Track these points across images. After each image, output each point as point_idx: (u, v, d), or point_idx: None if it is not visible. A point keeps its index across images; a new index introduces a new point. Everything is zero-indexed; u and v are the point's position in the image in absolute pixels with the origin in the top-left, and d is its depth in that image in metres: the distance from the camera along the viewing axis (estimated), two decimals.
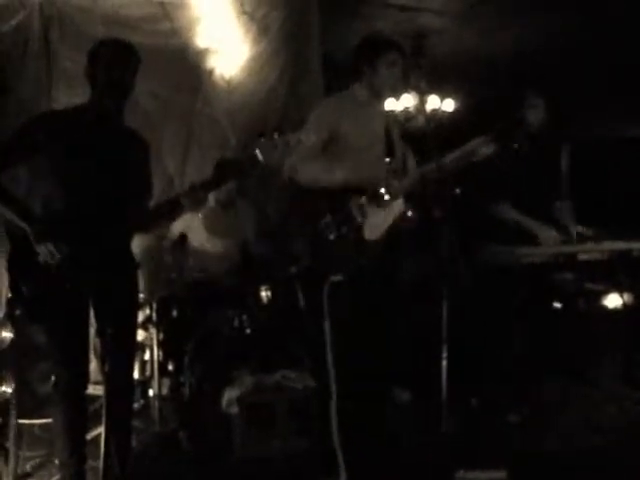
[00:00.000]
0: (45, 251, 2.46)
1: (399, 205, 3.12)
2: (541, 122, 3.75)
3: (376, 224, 3.00)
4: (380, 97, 3.16)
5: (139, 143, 2.78)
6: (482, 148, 2.97)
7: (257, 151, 2.53)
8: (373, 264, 2.99)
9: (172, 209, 2.63)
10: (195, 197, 2.56)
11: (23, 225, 2.50)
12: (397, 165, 3.10)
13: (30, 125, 2.61)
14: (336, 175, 2.92)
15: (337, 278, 2.85)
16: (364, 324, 2.96)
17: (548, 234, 3.57)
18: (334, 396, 2.72)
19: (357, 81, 3.11)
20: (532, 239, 3.58)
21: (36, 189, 2.62)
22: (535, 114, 3.72)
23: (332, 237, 2.93)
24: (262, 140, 2.53)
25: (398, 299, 3.30)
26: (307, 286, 3.73)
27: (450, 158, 2.96)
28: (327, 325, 2.80)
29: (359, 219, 2.95)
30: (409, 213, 3.36)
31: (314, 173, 2.94)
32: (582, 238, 3.61)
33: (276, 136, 2.53)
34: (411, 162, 3.21)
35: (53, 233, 2.48)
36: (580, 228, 3.66)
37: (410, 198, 3.21)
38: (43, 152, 2.54)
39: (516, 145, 3.53)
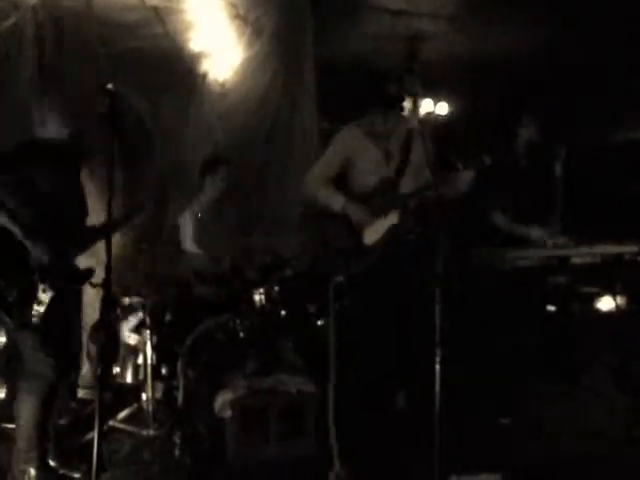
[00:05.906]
0: (37, 248, 2.60)
1: (396, 212, 3.35)
2: (531, 140, 3.83)
3: (374, 229, 3.28)
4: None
5: None
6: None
7: None
8: (374, 269, 3.13)
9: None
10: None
11: (10, 227, 2.60)
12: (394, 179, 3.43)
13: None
14: (334, 205, 3.35)
15: (339, 279, 2.99)
16: (369, 327, 3.06)
17: (538, 234, 3.72)
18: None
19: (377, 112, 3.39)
20: (524, 241, 3.71)
21: None
22: (528, 134, 3.82)
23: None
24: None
25: (403, 303, 3.37)
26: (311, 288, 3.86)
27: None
28: (332, 324, 2.92)
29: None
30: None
31: (318, 195, 3.44)
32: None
33: None
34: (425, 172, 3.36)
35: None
36: (561, 239, 3.72)
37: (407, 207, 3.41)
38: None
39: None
